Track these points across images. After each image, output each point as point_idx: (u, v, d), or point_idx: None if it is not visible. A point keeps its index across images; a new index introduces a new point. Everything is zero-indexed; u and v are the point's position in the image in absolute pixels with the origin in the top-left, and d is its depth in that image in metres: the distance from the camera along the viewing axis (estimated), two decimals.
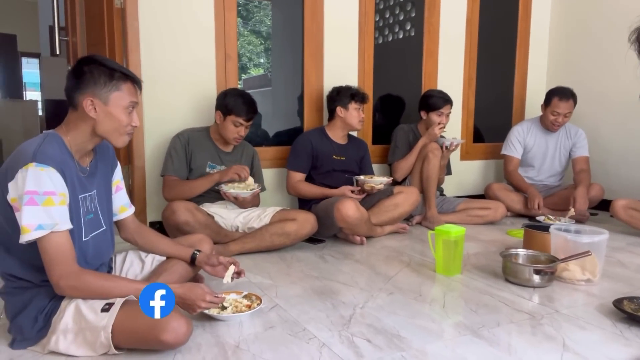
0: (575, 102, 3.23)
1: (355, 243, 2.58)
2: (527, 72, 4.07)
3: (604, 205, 3.26)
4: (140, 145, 2.67)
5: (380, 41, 3.77)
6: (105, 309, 1.27)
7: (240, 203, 2.39)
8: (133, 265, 1.66)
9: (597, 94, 3.66)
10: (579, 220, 3.10)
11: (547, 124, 3.32)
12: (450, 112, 3.14)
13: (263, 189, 2.56)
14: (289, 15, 3.57)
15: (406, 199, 2.80)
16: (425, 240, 2.70)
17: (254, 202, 2.51)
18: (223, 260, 1.67)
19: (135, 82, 1.40)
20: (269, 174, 2.95)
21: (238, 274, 1.67)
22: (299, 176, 2.78)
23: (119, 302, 1.28)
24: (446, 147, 3.05)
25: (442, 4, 3.55)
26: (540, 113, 3.48)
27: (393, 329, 1.50)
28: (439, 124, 3.03)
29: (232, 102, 2.38)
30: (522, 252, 2.10)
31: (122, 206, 1.60)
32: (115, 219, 1.59)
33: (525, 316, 1.62)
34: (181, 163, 2.42)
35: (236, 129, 2.41)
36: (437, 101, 3.08)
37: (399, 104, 3.68)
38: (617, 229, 2.93)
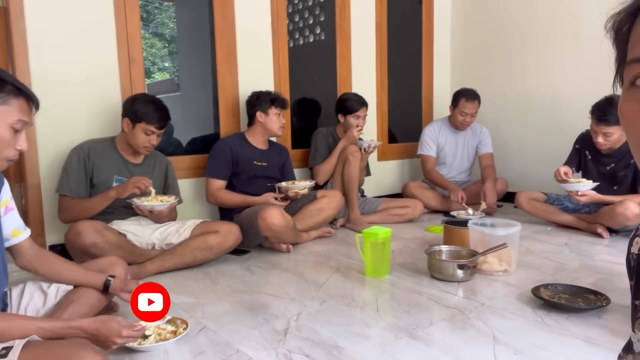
0: (479, 102, 3.45)
1: (281, 251, 2.51)
2: (432, 75, 4.28)
3: (508, 197, 3.51)
4: (34, 161, 2.37)
5: (292, 45, 3.75)
6: (2, 354, 1.08)
7: (156, 217, 2.21)
8: (33, 299, 1.44)
9: (497, 95, 3.93)
10: (488, 212, 3.31)
11: (456, 124, 3.51)
12: (366, 115, 3.19)
13: (180, 201, 2.39)
14: (195, 17, 3.41)
15: (330, 202, 2.79)
16: (350, 242, 2.71)
17: (170, 215, 2.34)
18: None
19: (30, 100, 1.21)
20: (185, 185, 2.78)
21: None
22: (219, 183, 2.65)
23: (18, 344, 1.09)
24: (364, 150, 3.09)
25: (352, 8, 3.61)
26: (447, 113, 3.66)
27: (330, 340, 1.45)
28: (357, 126, 3.06)
29: (142, 108, 2.20)
30: (444, 248, 2.17)
31: (15, 229, 1.38)
32: (7, 244, 1.37)
33: (454, 312, 1.66)
34: (79, 180, 2.17)
35: (147, 137, 2.22)
36: (353, 104, 3.11)
37: (315, 107, 3.68)
38: (521, 219, 3.14)
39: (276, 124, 2.77)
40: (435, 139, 3.59)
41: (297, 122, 3.51)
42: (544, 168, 3.61)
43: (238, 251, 2.47)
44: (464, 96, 3.40)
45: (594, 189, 2.69)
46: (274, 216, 2.37)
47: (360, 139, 3.14)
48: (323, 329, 1.53)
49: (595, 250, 2.50)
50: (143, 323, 1.49)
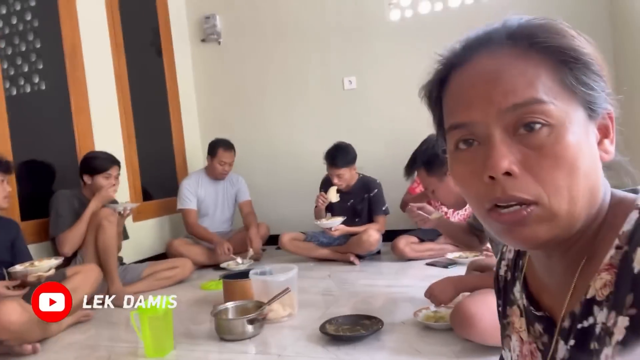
0: (235, 152, 3.56)
1: (25, 354, 1.95)
2: (182, 128, 4.21)
3: (270, 240, 3.68)
4: None
5: (8, 95, 3.11)
6: None
7: None
8: None
9: (246, 145, 4.06)
10: (255, 258, 3.39)
11: (216, 174, 3.52)
12: (119, 174, 2.86)
13: None
14: None
15: (85, 279, 2.35)
16: (116, 322, 2.34)
17: None
18: None
19: None
20: None
21: None
22: None
23: None
24: (120, 214, 2.76)
25: (85, 57, 3.24)
26: (200, 165, 3.63)
27: None
28: (113, 185, 2.72)
29: None
30: (230, 305, 2.08)
31: None
32: None
33: None
34: None
35: None
36: (102, 163, 2.75)
37: (48, 170, 3.10)
38: (285, 259, 3.37)
39: None
40: (194, 191, 3.51)
41: (26, 189, 2.88)
42: (297, 209, 3.95)
43: None
44: (222, 146, 3.46)
45: (343, 222, 3.08)
46: (12, 312, 1.81)
47: (115, 201, 2.80)
48: None
49: (352, 277, 2.83)
50: None
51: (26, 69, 3.31)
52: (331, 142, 3.28)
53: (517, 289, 0.60)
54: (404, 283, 2.57)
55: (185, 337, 2.00)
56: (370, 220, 3.22)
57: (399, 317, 1.98)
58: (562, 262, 0.50)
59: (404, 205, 3.39)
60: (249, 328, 1.90)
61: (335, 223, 3.05)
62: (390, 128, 3.78)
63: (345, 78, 3.88)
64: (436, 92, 0.54)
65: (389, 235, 3.26)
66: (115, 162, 2.80)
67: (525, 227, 0.46)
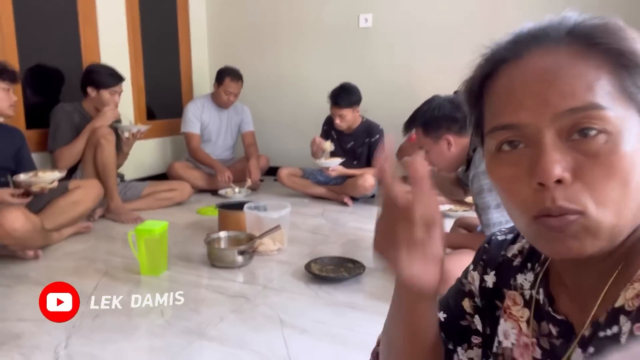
0: (242, 82, 3.52)
1: (26, 259, 2.08)
2: (190, 51, 4.13)
3: (269, 171, 3.75)
4: None
5: None
6: None
7: None
8: None
9: (254, 75, 4.01)
10: (253, 188, 3.48)
11: (221, 102, 3.51)
12: (122, 91, 2.86)
13: None
14: None
15: (86, 194, 2.44)
16: (114, 236, 2.46)
17: None
18: None
19: None
20: None
21: None
22: None
23: None
24: (132, 135, 2.80)
25: None
26: (207, 90, 3.60)
27: None
28: (115, 105, 2.72)
29: None
30: (223, 235, 2.18)
31: None
32: None
33: (241, 301, 1.70)
34: None
35: None
36: (108, 78, 2.73)
37: (56, 77, 3.09)
38: (281, 191, 3.46)
39: (4, 101, 2.22)
40: (199, 116, 3.52)
41: (32, 96, 2.90)
42: (298, 144, 3.98)
43: None
44: (229, 75, 3.42)
45: (341, 164, 3.13)
46: (16, 220, 1.93)
47: (119, 121, 2.81)
48: (103, 352, 1.35)
49: (344, 217, 2.92)
50: None
51: None
52: (339, 80, 3.24)
53: (529, 279, 0.56)
54: None
55: (179, 259, 2.12)
56: (368, 164, 3.26)
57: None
58: (597, 270, 0.47)
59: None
60: (239, 258, 2.01)
61: (334, 163, 3.10)
62: (401, 73, 3.70)
63: (362, 15, 3.74)
64: (478, 89, 0.50)
65: None
66: (122, 79, 2.80)
67: (570, 238, 0.43)
